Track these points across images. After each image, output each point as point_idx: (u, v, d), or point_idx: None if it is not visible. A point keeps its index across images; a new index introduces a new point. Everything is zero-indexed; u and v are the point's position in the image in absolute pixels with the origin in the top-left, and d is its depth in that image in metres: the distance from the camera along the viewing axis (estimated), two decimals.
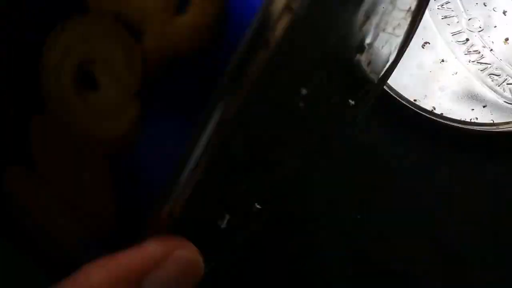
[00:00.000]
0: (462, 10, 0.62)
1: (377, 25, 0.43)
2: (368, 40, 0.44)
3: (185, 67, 0.27)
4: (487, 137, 0.57)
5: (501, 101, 0.58)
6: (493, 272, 0.53)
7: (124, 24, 0.26)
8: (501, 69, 0.59)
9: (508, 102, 0.57)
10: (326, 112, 0.44)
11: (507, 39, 0.61)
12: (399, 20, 0.43)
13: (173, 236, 0.24)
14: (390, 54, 0.45)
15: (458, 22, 0.62)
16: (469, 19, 0.62)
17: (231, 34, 0.26)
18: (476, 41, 0.61)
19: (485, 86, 0.58)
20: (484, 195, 0.56)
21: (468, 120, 0.57)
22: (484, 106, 0.57)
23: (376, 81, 0.45)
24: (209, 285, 0.27)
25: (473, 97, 0.58)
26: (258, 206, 0.41)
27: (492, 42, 0.61)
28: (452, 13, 0.62)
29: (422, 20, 0.61)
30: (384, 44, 0.44)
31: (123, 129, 0.27)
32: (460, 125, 0.57)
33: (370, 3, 0.41)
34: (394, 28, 0.43)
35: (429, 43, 0.61)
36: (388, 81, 0.57)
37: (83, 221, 0.28)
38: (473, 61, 0.60)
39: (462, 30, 0.61)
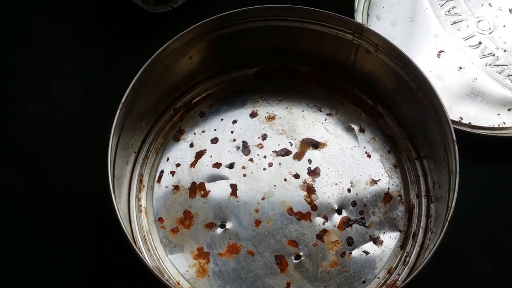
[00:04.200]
0: (469, 13, 0.62)
1: None
2: None
3: None
4: None
5: None
6: (489, 270, 0.54)
7: None
8: None
9: None
10: None
11: None
12: None
13: None
14: None
15: (467, 26, 0.62)
16: (478, 21, 0.62)
17: None
18: (489, 43, 0.61)
19: (506, 88, 0.59)
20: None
21: (496, 126, 0.57)
22: (509, 110, 0.58)
23: None
24: None
25: (496, 102, 0.58)
26: None
27: (504, 42, 0.61)
28: (460, 17, 0.62)
29: (433, 28, 0.61)
30: None
31: None
32: (489, 132, 0.57)
33: None
34: None
35: (444, 52, 0.60)
36: None
37: None
38: (490, 64, 0.60)
39: (473, 34, 0.61)
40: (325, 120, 0.56)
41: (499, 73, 0.59)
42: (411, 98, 0.52)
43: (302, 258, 0.51)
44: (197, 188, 0.53)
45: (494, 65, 0.60)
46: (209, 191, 0.53)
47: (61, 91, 0.59)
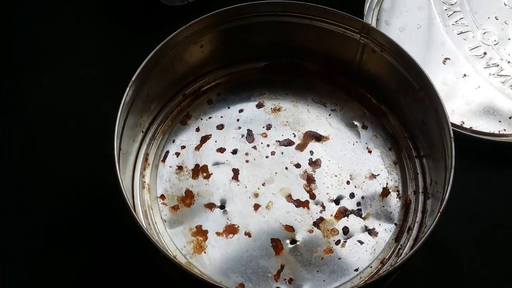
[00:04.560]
0: (476, 25, 0.64)
1: None
2: None
3: None
4: None
5: None
6: (481, 268, 0.54)
7: None
8: None
9: None
10: None
11: None
12: None
13: None
14: None
15: (473, 36, 0.64)
16: (484, 33, 0.64)
17: None
18: (494, 54, 0.62)
19: (509, 98, 0.60)
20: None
21: (497, 132, 0.58)
22: (510, 118, 0.59)
23: None
24: None
25: (498, 109, 0.60)
26: None
27: (509, 54, 0.62)
28: (467, 28, 0.64)
29: (440, 36, 0.63)
30: None
31: None
32: (489, 138, 0.58)
33: None
34: None
35: (449, 59, 0.62)
36: None
37: None
38: (494, 74, 0.61)
39: (479, 44, 0.63)
40: (329, 115, 0.58)
41: (502, 83, 0.61)
42: (413, 98, 0.54)
43: (298, 243, 0.51)
44: (200, 170, 0.55)
45: (497, 75, 0.61)
46: (212, 174, 0.54)
47: (75, 70, 0.62)
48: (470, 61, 0.62)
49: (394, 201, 0.54)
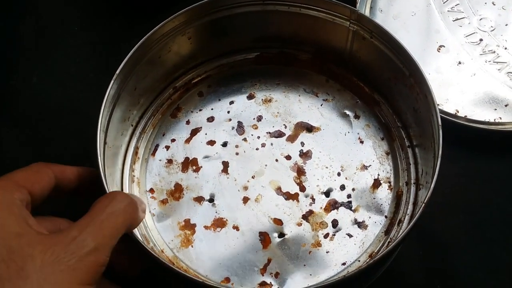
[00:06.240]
0: (472, 11, 0.62)
1: None
2: None
3: None
4: None
5: None
6: (471, 257, 0.54)
7: None
8: None
9: None
10: None
11: None
12: None
13: None
14: None
15: (469, 23, 0.62)
16: (480, 19, 0.62)
17: None
18: (490, 41, 0.61)
19: (505, 85, 0.59)
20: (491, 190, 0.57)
21: (492, 120, 0.57)
22: (506, 105, 0.58)
23: None
24: None
25: (494, 97, 0.58)
26: None
27: (506, 40, 0.61)
28: (463, 15, 0.62)
29: (434, 23, 0.62)
30: None
31: None
32: (485, 126, 0.57)
33: None
34: None
35: (444, 46, 0.61)
36: None
37: None
38: (489, 61, 0.60)
39: (475, 31, 0.62)
40: (321, 105, 0.57)
41: (498, 70, 0.59)
42: (404, 84, 0.53)
43: (286, 236, 0.51)
44: (189, 163, 0.54)
45: (494, 62, 0.60)
46: (201, 167, 0.54)
47: (66, 66, 0.62)
48: (466, 48, 0.61)
49: (385, 193, 0.53)
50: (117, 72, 0.50)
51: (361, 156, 0.55)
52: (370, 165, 0.54)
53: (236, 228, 0.52)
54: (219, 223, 0.52)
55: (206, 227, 0.52)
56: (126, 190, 0.53)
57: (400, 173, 0.54)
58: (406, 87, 0.53)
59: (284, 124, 0.56)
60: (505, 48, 0.60)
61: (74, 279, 0.36)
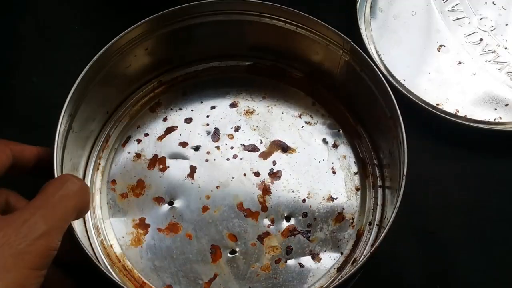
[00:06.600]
0: (472, 10, 0.62)
1: None
2: None
3: None
4: None
5: None
6: (471, 258, 0.54)
7: None
8: None
9: None
10: None
11: None
12: None
13: None
14: None
15: (470, 23, 0.62)
16: (480, 19, 0.62)
17: None
18: (490, 41, 0.61)
19: (505, 85, 0.58)
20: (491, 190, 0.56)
21: (492, 120, 0.57)
22: (506, 105, 0.58)
23: None
24: None
25: (494, 97, 0.58)
26: None
27: (506, 40, 0.61)
28: (463, 14, 0.62)
29: (435, 23, 0.62)
30: None
31: None
32: (485, 126, 0.57)
33: None
34: None
35: (444, 46, 0.61)
36: (409, 87, 0.58)
37: None
38: (490, 61, 0.60)
39: (475, 31, 0.61)
40: (302, 127, 0.56)
41: (499, 69, 0.59)
42: (384, 124, 0.51)
43: (237, 254, 0.50)
44: (157, 161, 0.54)
45: (494, 62, 0.60)
46: (168, 167, 0.54)
47: (66, 66, 0.61)
48: (466, 48, 0.61)
49: (346, 229, 0.52)
50: (95, 58, 0.49)
51: (330, 187, 0.54)
52: (337, 198, 0.53)
53: (189, 236, 0.51)
54: (173, 228, 0.51)
55: (159, 230, 0.51)
56: (88, 176, 0.53)
57: (365, 212, 0.53)
58: (386, 127, 0.51)
59: (260, 139, 0.55)
60: (505, 48, 0.60)
61: (25, 264, 0.36)
